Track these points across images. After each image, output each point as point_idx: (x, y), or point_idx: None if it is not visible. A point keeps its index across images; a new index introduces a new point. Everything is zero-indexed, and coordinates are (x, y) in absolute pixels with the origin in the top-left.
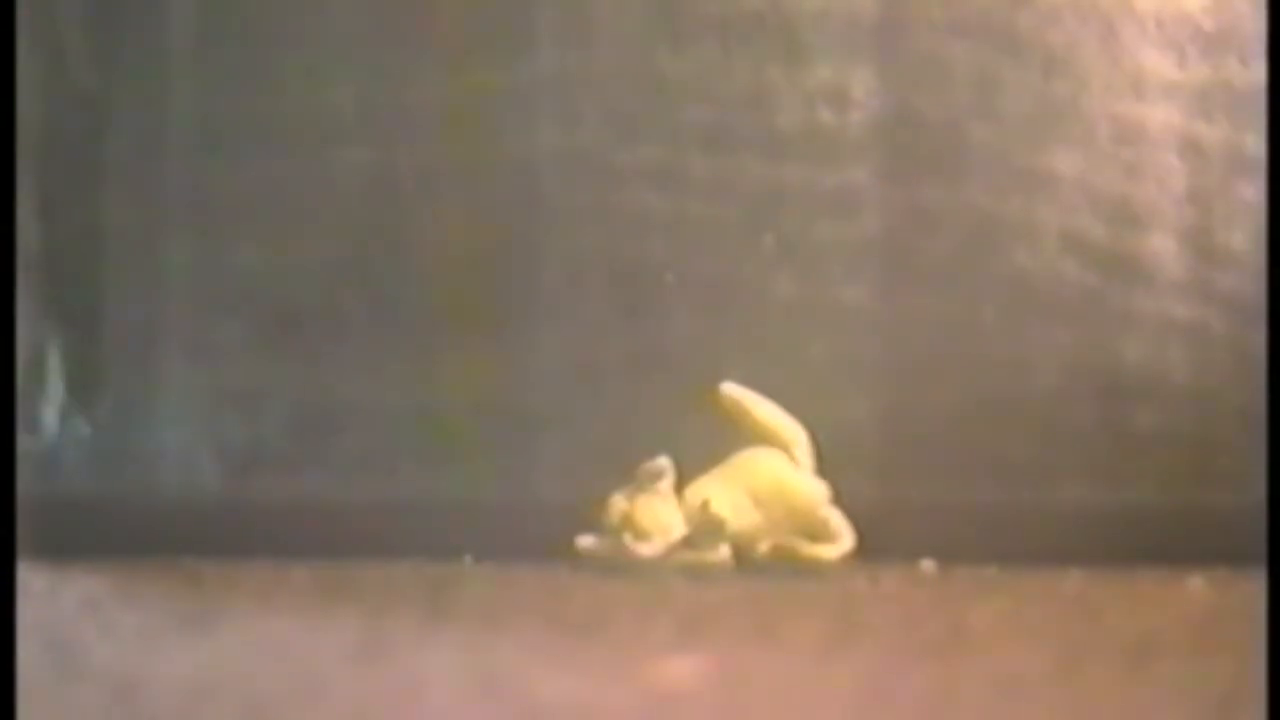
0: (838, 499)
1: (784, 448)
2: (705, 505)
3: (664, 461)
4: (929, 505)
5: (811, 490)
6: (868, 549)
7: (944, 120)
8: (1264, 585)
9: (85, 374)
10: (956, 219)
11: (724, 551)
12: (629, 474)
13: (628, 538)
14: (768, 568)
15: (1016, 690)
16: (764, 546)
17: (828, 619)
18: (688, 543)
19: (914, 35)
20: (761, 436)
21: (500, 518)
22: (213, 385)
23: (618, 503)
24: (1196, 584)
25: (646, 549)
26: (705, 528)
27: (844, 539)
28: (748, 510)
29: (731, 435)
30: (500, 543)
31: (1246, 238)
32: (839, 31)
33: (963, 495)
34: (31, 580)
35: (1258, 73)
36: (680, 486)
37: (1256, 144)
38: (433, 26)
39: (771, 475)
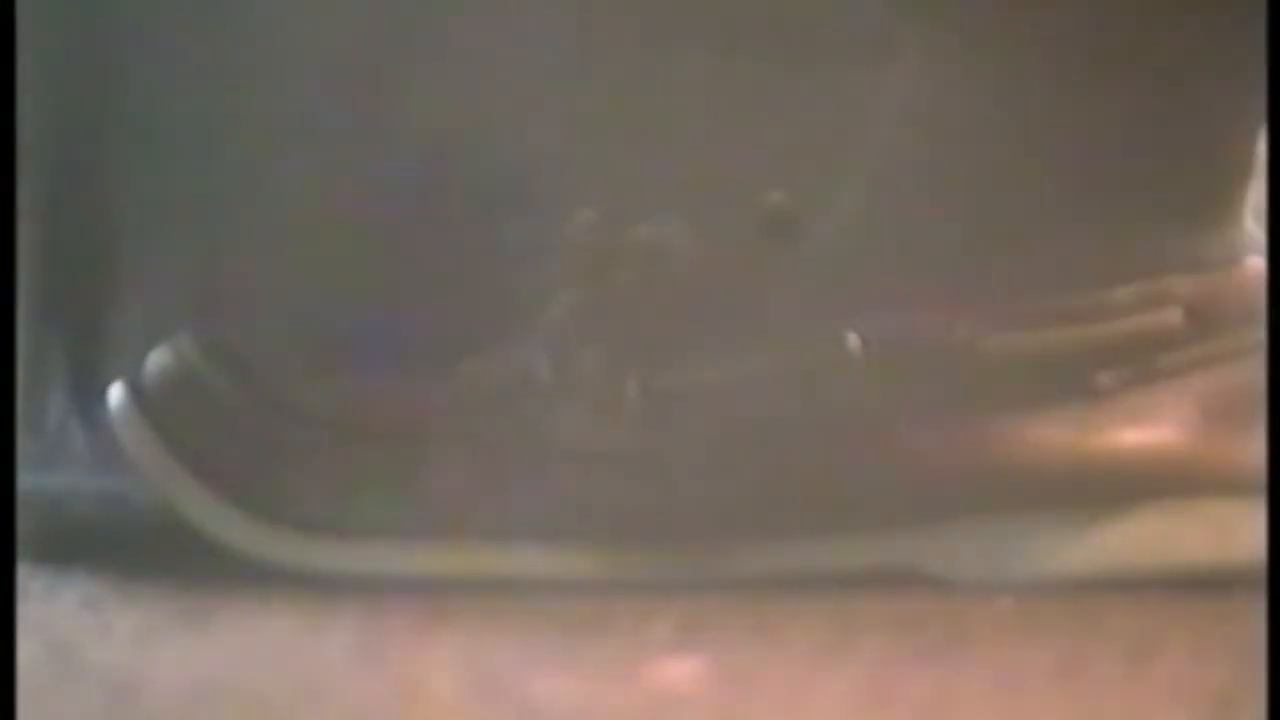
0: None
1: None
2: None
3: None
4: None
5: None
6: None
7: None
8: (1264, 585)
9: (85, 374)
10: None
11: None
12: None
13: None
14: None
15: (1016, 690)
16: None
17: (827, 619)
18: None
19: None
20: None
21: None
22: None
23: None
24: (1194, 579)
25: None
26: None
27: None
28: None
29: None
30: None
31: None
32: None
33: None
34: (31, 580)
35: None
36: None
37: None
38: (433, 27)
39: None
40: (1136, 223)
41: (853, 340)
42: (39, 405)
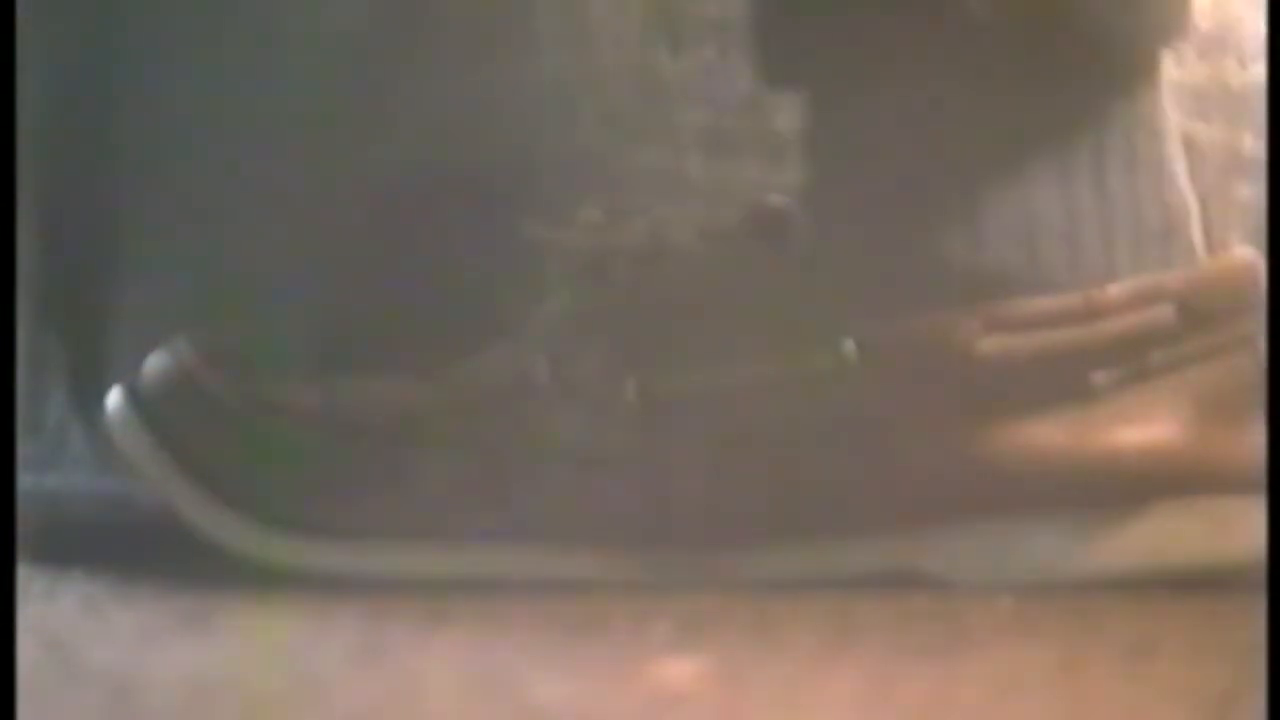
0: None
1: None
2: None
3: None
4: None
5: None
6: None
7: None
8: (1264, 585)
9: (86, 375)
10: None
11: None
12: None
13: None
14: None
15: (1016, 690)
16: None
17: (827, 619)
18: None
19: None
20: None
21: None
22: None
23: None
24: (1192, 576)
25: None
26: None
27: None
28: None
29: None
30: None
31: (1244, 238)
32: None
33: None
34: (31, 580)
35: (1256, 73)
36: None
37: (1254, 144)
38: (434, 26)
39: None
40: (1082, 191)
41: (850, 344)
42: (39, 405)
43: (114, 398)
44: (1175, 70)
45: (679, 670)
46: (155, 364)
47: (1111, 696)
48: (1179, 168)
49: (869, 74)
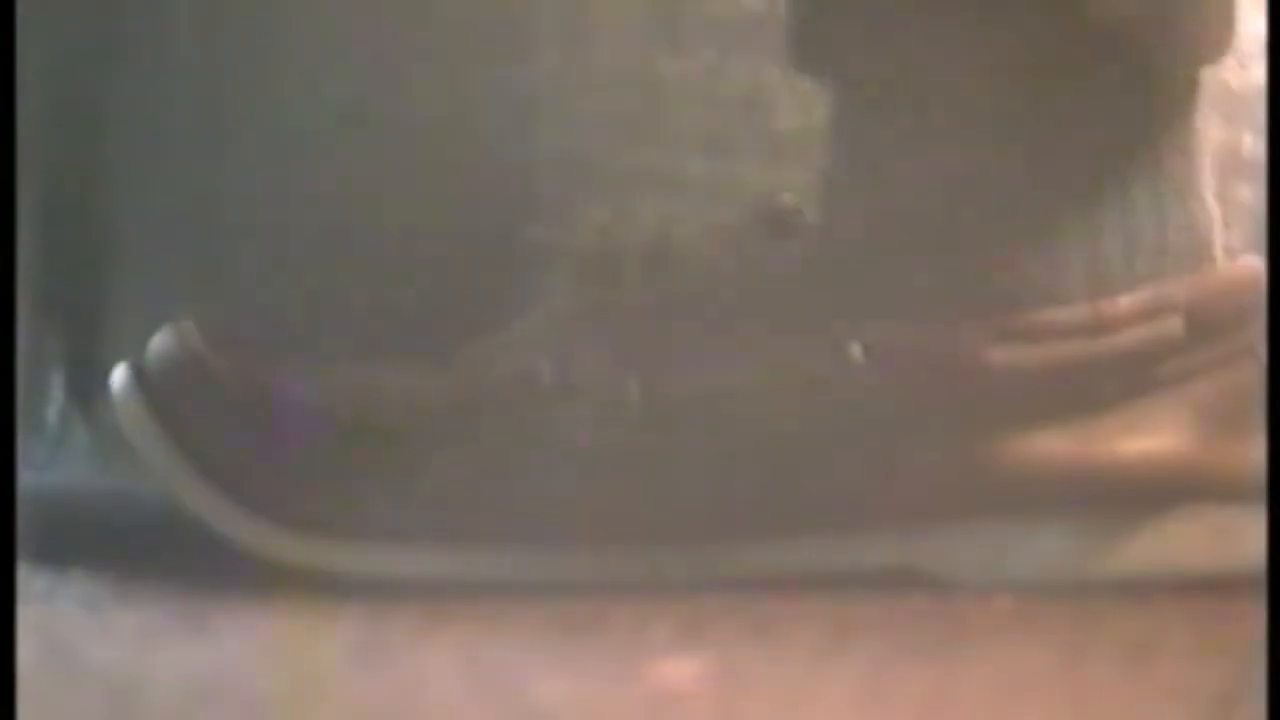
0: None
1: None
2: None
3: None
4: None
5: None
6: None
7: None
8: (1264, 585)
9: (85, 374)
10: None
11: None
12: None
13: None
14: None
15: (1016, 690)
16: None
17: (827, 619)
18: None
19: None
20: None
21: None
22: None
23: None
24: (1196, 584)
25: None
26: None
27: None
28: None
29: None
30: None
31: (1244, 238)
32: None
33: None
34: (31, 580)
35: (1256, 73)
36: None
37: (1255, 145)
38: (437, 26)
39: None
40: (1108, 205)
41: (855, 348)
42: (39, 404)
43: (119, 376)
44: None
45: (679, 670)
46: (160, 344)
47: (1112, 697)
48: (1208, 189)
49: (900, 71)
